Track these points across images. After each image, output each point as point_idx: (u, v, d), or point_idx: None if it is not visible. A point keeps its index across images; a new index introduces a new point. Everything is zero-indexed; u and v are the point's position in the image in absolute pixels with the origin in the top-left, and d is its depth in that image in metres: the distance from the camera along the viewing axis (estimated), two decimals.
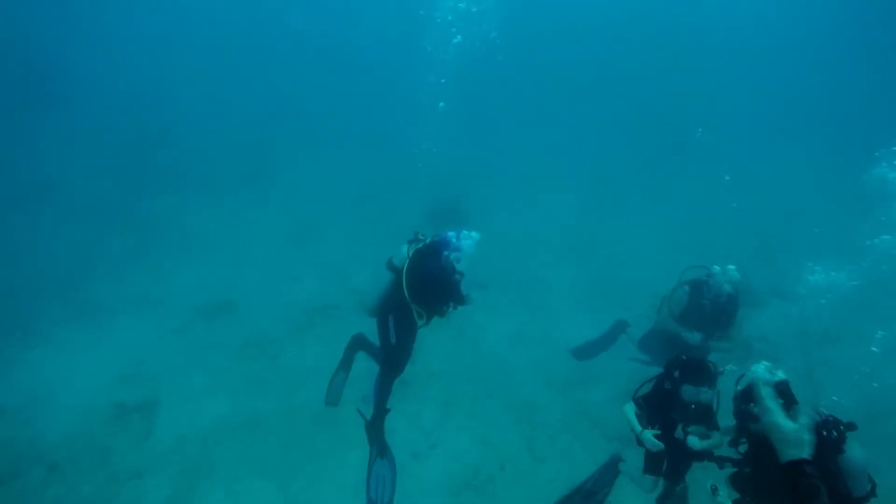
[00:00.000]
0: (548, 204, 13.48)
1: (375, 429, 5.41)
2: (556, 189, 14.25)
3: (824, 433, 3.00)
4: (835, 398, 7.50)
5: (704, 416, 4.07)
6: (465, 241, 5.05)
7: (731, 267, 5.78)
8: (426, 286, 5.03)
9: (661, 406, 4.18)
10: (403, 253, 5.19)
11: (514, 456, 6.35)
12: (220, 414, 6.58)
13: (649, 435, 4.06)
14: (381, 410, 5.43)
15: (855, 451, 3.00)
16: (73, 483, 5.49)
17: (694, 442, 3.96)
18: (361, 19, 25.89)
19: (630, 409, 4.33)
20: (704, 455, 3.93)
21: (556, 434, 6.72)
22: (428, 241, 5.19)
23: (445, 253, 5.00)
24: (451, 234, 5.09)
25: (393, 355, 5.42)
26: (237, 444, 6.21)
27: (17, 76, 15.67)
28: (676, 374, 4.14)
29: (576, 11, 24.91)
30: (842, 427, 3.06)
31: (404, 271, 5.07)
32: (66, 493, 5.39)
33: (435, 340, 8.11)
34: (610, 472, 5.28)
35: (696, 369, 4.13)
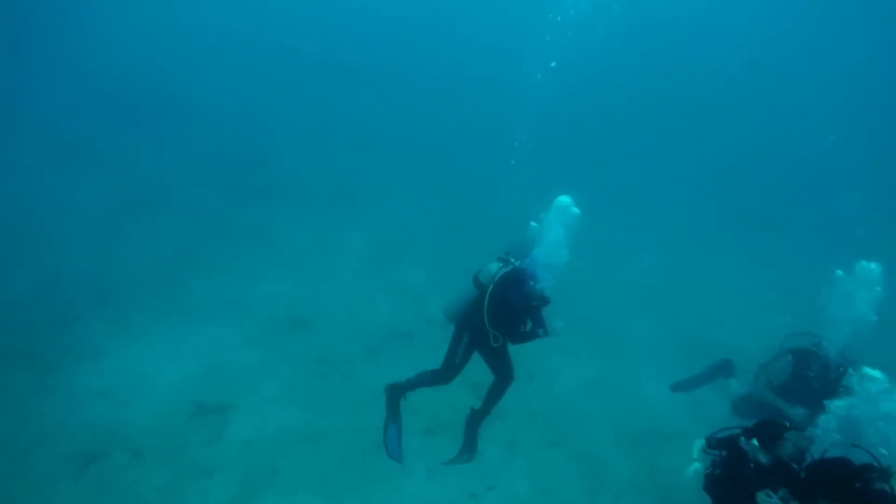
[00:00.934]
0: (635, 249, 13.03)
1: (394, 395, 5.78)
2: (645, 235, 13.77)
3: None
4: None
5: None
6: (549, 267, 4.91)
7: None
8: (506, 314, 4.99)
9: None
10: (492, 271, 5.12)
11: None
12: (287, 425, 6.76)
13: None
14: (409, 385, 5.72)
15: None
16: (150, 471, 5.81)
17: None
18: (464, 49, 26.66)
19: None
20: None
21: (621, 493, 6.33)
22: (517, 264, 5.10)
23: (531, 283, 4.90)
24: (538, 258, 4.94)
25: (450, 370, 5.55)
26: (299, 457, 6.33)
27: (139, 89, 17.47)
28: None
29: (685, 49, 24.42)
30: None
31: (487, 294, 5.01)
32: (142, 479, 5.71)
33: None
34: None
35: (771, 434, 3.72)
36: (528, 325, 5.14)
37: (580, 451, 6.85)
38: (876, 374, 4.41)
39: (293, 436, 6.62)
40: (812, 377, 5.27)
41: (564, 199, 4.96)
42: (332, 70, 23.91)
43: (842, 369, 5.15)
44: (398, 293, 9.86)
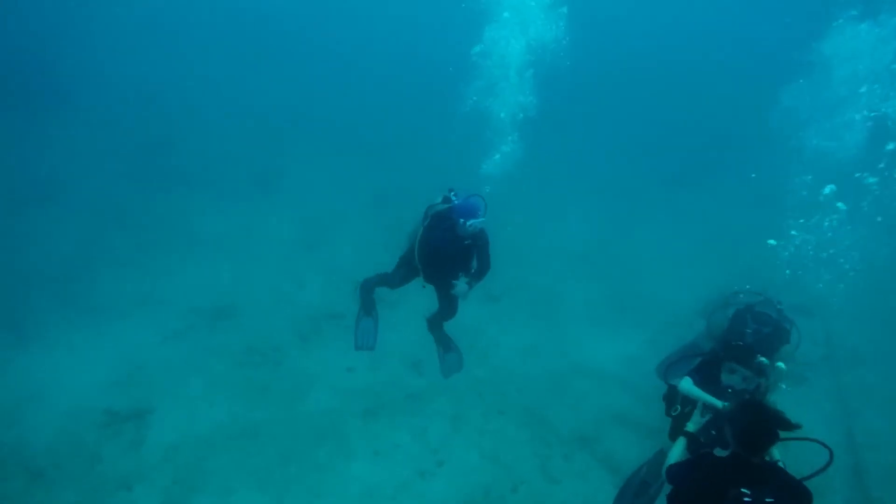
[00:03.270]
0: (564, 214, 13.15)
1: (366, 290, 5.98)
2: (574, 200, 13.92)
3: None
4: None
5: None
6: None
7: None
8: (430, 253, 5.05)
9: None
10: (435, 210, 5.10)
11: (527, 476, 5.96)
12: (218, 422, 6.25)
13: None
14: (374, 281, 5.88)
15: None
16: (57, 492, 5.15)
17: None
18: (388, 22, 25.82)
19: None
20: None
21: (571, 454, 6.32)
22: (455, 202, 5.01)
23: (462, 221, 4.78)
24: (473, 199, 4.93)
25: (391, 284, 5.78)
26: (234, 454, 5.87)
27: (23, 75, 15.63)
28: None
29: (613, 24, 24.78)
30: None
31: (417, 238, 5.06)
32: (49, 502, 5.06)
33: None
34: (659, 463, 4.86)
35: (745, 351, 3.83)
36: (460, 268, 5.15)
37: (527, 418, 6.77)
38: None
39: (225, 433, 6.13)
40: (748, 333, 5.34)
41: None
42: (242, 47, 22.45)
43: (778, 328, 5.22)
44: (328, 274, 9.39)
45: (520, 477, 5.93)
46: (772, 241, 7.59)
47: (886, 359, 8.48)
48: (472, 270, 5.25)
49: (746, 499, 2.52)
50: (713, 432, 3.58)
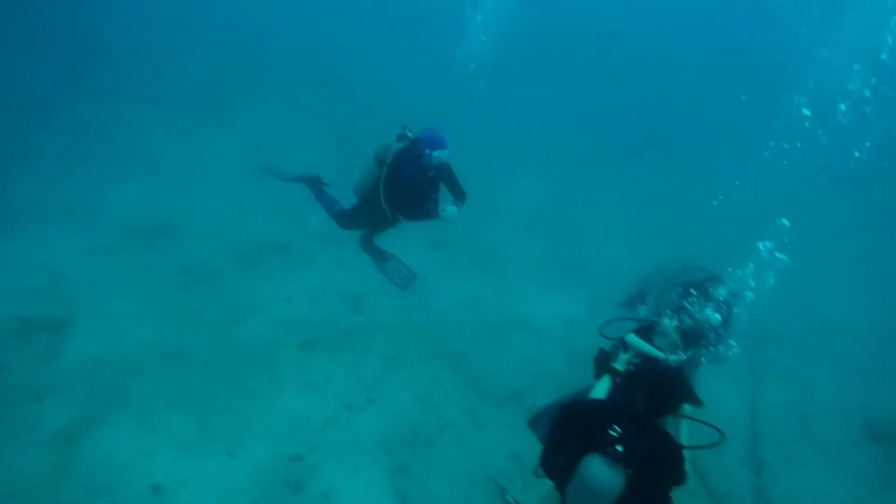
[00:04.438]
0: (521, 175, 13.13)
1: (367, 246, 5.81)
2: (532, 162, 13.90)
3: None
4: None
5: None
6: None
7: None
8: (401, 191, 4.90)
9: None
10: (391, 148, 4.90)
11: (455, 419, 6.07)
12: (144, 341, 6.01)
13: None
14: (369, 235, 5.74)
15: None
16: None
17: None
18: None
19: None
20: None
21: (501, 403, 6.47)
22: (412, 136, 4.86)
23: (427, 152, 4.68)
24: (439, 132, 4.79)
25: (345, 226, 5.62)
26: (158, 375, 5.68)
27: None
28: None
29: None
30: None
31: (384, 172, 4.89)
32: None
33: (385, 292, 7.73)
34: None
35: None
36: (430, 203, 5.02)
37: (462, 364, 6.87)
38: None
39: (151, 353, 5.91)
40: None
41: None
42: None
43: (724, 309, 5.35)
44: (274, 205, 9.05)
45: (448, 420, 6.05)
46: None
47: (796, 338, 9.08)
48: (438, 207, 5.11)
49: (612, 432, 2.55)
50: (631, 368, 3.69)
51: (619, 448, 2.51)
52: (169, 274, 7.11)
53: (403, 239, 6.06)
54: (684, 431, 3.27)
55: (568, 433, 2.76)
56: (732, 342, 5.37)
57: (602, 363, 3.69)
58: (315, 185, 5.92)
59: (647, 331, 4.12)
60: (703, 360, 5.11)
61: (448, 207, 4.97)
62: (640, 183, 13.96)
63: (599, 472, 2.52)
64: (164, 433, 5.12)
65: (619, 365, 3.52)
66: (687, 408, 3.27)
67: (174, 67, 13.56)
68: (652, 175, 14.51)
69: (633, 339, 3.77)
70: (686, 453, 2.77)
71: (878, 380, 8.35)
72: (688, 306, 5.13)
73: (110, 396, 5.32)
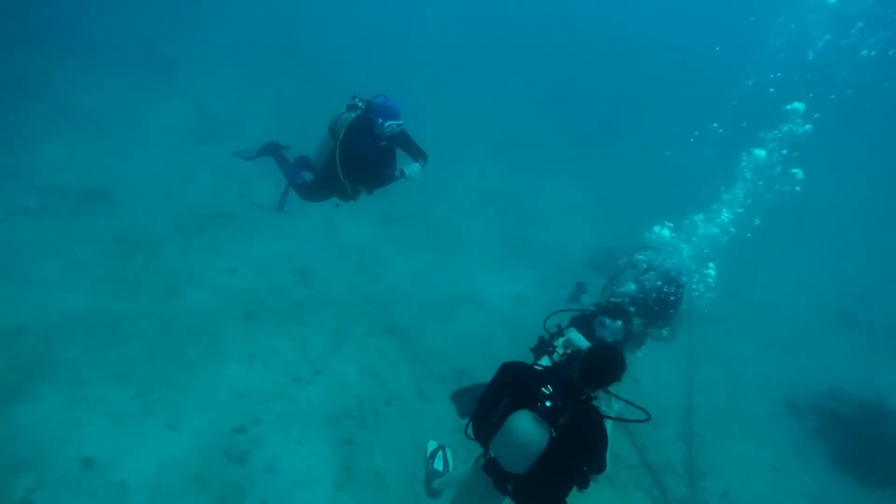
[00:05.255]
0: (473, 153, 13.14)
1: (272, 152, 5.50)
2: (484, 141, 13.93)
3: None
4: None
5: None
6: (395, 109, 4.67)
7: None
8: (358, 162, 4.74)
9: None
10: (343, 120, 4.75)
11: (402, 393, 6.10)
12: (75, 310, 5.70)
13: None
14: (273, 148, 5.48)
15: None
16: None
17: None
18: None
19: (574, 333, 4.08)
20: None
21: (448, 377, 6.53)
22: (363, 106, 4.73)
23: (380, 121, 4.57)
24: (391, 101, 4.65)
25: (307, 198, 5.33)
26: (91, 344, 5.41)
27: None
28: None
29: None
30: None
31: (338, 145, 4.74)
32: None
33: (334, 267, 7.64)
34: None
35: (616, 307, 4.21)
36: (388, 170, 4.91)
37: (409, 339, 6.88)
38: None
39: (83, 322, 5.61)
40: (650, 291, 5.58)
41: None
42: None
43: (672, 290, 5.52)
44: (219, 173, 8.72)
45: (395, 393, 6.06)
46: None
47: (732, 321, 9.59)
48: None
49: (545, 390, 2.67)
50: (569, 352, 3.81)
51: (548, 404, 2.61)
52: (103, 240, 6.74)
53: (357, 213, 5.94)
54: (616, 408, 3.42)
55: (502, 391, 2.84)
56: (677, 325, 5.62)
57: (541, 349, 3.80)
58: (276, 152, 5.66)
59: (588, 319, 4.27)
60: (647, 338, 5.32)
61: (411, 165, 4.89)
62: (591, 166, 14.28)
63: (525, 425, 2.64)
64: (97, 405, 4.89)
65: (559, 348, 3.61)
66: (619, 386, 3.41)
67: (111, 18, 12.70)
68: (602, 159, 14.85)
69: (575, 336, 3.86)
70: (623, 428, 2.91)
71: (801, 358, 8.97)
72: (641, 280, 5.32)
73: (35, 368, 5.02)
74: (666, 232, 5.74)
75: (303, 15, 17.84)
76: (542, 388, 2.70)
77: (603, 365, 2.74)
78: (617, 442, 6.05)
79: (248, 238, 7.63)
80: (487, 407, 2.86)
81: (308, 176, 5.33)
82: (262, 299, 6.65)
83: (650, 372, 7.09)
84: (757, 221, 6.68)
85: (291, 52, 15.23)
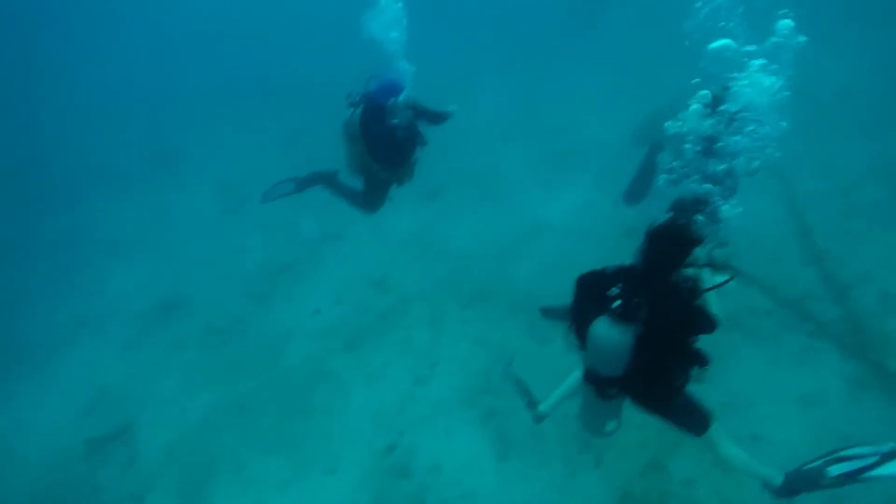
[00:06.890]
0: (477, 93, 12.63)
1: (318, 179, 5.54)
2: (483, 77, 13.34)
3: None
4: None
5: None
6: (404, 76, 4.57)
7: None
8: (388, 150, 4.71)
9: None
10: (354, 119, 4.68)
11: (518, 347, 6.04)
12: (205, 408, 6.09)
13: None
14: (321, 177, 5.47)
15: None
16: None
17: None
18: None
19: None
20: None
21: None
22: (360, 97, 4.63)
23: (391, 100, 4.44)
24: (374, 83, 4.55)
25: (370, 206, 5.31)
26: (233, 431, 5.77)
27: None
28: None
29: None
30: None
31: (364, 150, 4.72)
32: None
33: (401, 263, 7.63)
34: None
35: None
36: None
37: (502, 294, 6.77)
38: None
39: (216, 416, 6.01)
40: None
41: None
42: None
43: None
44: (263, 231, 8.92)
45: (512, 350, 6.01)
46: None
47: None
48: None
49: (615, 290, 2.67)
50: None
51: (618, 303, 2.62)
52: (197, 339, 7.13)
53: (396, 204, 5.80)
54: (706, 276, 3.17)
55: (582, 303, 2.88)
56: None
57: None
58: (326, 180, 5.60)
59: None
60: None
61: (450, 106, 4.76)
62: (594, 50, 13.31)
63: (603, 331, 2.67)
64: (263, 481, 5.22)
65: None
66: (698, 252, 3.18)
67: (106, 151, 13.22)
68: (603, 37, 13.80)
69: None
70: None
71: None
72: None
73: (200, 469, 5.42)
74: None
75: (272, 54, 17.62)
76: (612, 289, 2.69)
77: (660, 249, 2.70)
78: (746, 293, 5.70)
79: (315, 276, 7.79)
80: (577, 321, 2.89)
81: (359, 187, 5.28)
82: (354, 323, 6.77)
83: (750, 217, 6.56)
84: None
85: (275, 89, 15.17)
